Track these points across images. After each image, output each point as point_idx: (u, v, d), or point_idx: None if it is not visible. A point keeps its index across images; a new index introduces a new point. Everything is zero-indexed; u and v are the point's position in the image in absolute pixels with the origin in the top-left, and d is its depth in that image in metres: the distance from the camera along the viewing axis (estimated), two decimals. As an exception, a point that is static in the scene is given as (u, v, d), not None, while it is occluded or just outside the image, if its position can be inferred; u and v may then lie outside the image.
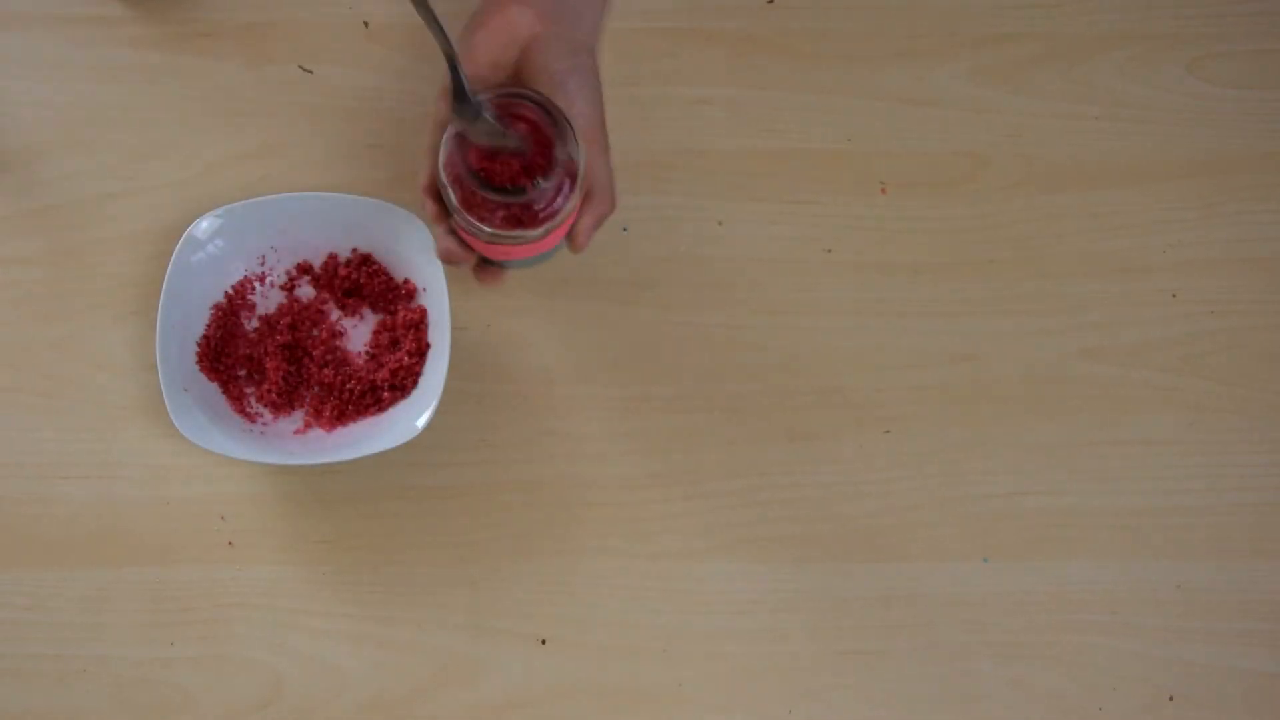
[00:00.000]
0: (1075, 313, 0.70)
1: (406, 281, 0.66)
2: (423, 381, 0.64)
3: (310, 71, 0.72)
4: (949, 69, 0.73)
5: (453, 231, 0.61)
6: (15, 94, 0.71)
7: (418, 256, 0.65)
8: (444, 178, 0.55)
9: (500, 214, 0.55)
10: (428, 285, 0.65)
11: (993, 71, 0.73)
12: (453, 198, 0.55)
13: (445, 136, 0.56)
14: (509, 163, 0.55)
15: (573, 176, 0.55)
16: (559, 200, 0.55)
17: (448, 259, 0.62)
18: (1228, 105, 0.73)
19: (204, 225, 0.65)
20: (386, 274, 0.66)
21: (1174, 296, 0.70)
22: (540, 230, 0.56)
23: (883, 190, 0.71)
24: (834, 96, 0.73)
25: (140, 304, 0.68)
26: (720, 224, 0.70)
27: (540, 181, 0.54)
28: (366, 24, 0.73)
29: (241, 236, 0.66)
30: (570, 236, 0.60)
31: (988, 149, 0.72)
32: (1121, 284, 0.70)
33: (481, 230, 0.56)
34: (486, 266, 0.63)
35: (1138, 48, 0.74)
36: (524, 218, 0.55)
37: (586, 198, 0.60)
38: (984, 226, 0.71)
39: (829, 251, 0.70)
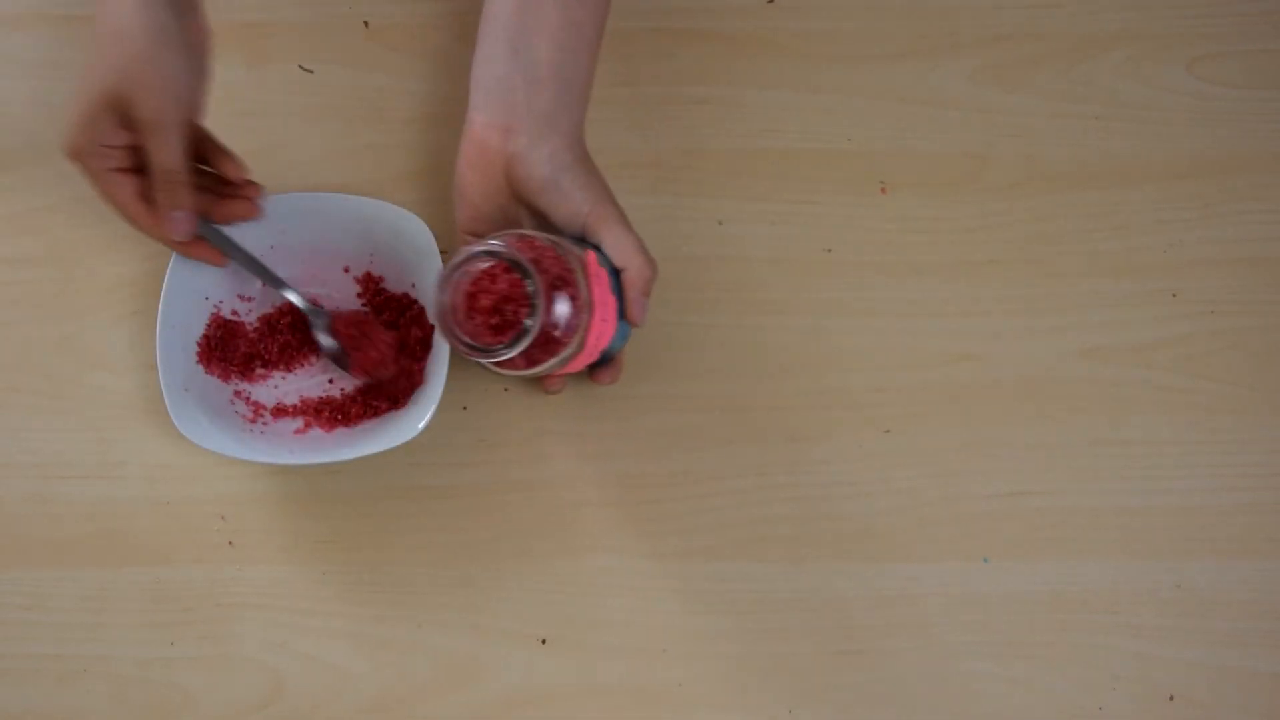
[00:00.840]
0: (1075, 313, 0.70)
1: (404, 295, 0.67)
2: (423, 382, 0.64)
3: (310, 71, 0.72)
4: (949, 69, 0.73)
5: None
6: (15, 94, 0.71)
7: (417, 256, 0.65)
8: (471, 358, 0.55)
9: (530, 359, 0.55)
10: (427, 286, 0.65)
11: (993, 71, 0.73)
12: (492, 368, 0.55)
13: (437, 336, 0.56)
14: (498, 311, 0.54)
15: (566, 283, 0.54)
16: (574, 310, 0.54)
17: (551, 391, 0.66)
18: (1228, 105, 0.73)
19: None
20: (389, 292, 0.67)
21: (1174, 296, 0.70)
22: (573, 345, 0.55)
23: (883, 190, 0.71)
24: (834, 96, 0.73)
25: (140, 304, 0.68)
26: (720, 224, 0.70)
27: (529, 323, 0.52)
28: (366, 24, 0.73)
29: (241, 236, 0.66)
30: (625, 315, 0.61)
31: (988, 149, 0.72)
32: (1121, 284, 0.70)
33: (529, 374, 0.56)
34: (597, 370, 0.65)
35: (1138, 48, 0.74)
36: (544, 350, 0.54)
37: (623, 274, 0.60)
38: (984, 226, 0.71)
39: (829, 251, 0.70)
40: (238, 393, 0.65)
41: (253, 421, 0.65)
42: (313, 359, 0.67)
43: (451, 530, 0.66)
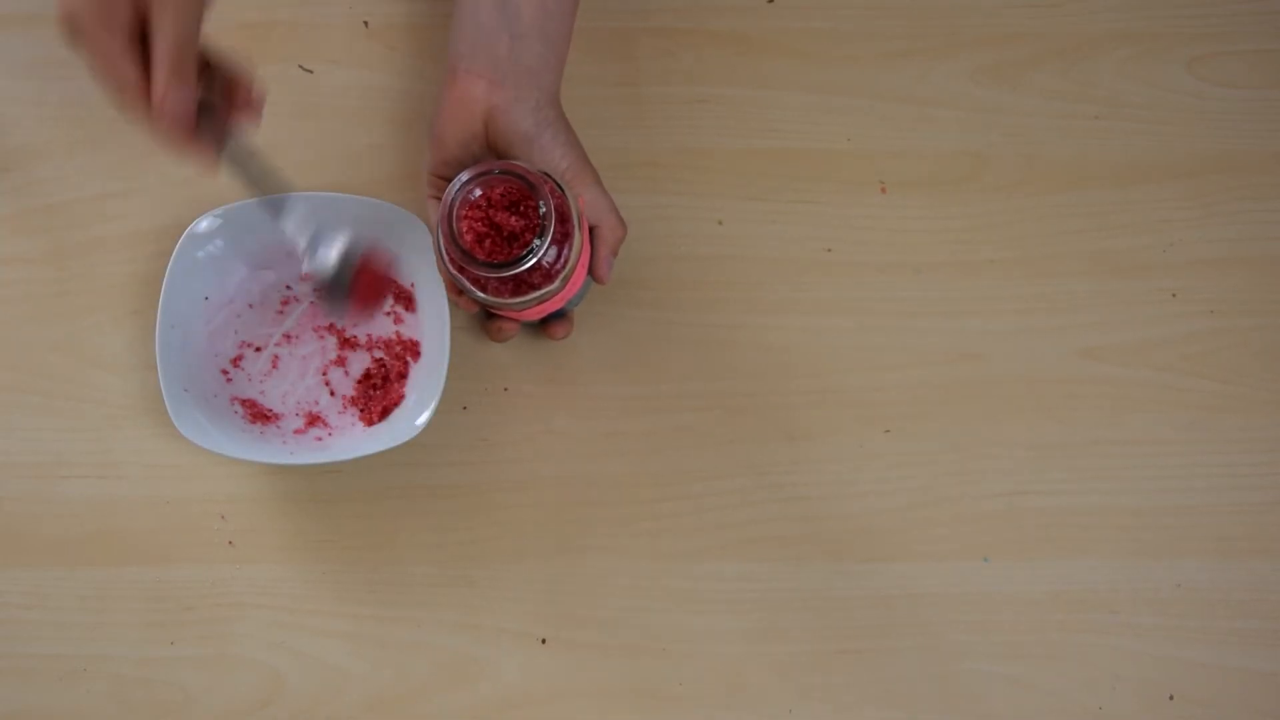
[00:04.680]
0: (1075, 313, 0.70)
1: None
2: (423, 382, 0.64)
3: (310, 71, 0.72)
4: (949, 69, 0.73)
5: (491, 315, 0.63)
6: (15, 94, 0.71)
7: (417, 256, 0.65)
8: (457, 278, 0.56)
9: (521, 284, 0.55)
10: (427, 285, 0.65)
11: (993, 71, 0.73)
12: (475, 291, 0.56)
13: (435, 242, 0.56)
14: (500, 235, 0.56)
15: (566, 220, 0.55)
16: (564, 247, 0.56)
17: (502, 337, 0.65)
18: (1228, 105, 0.73)
19: (204, 225, 0.65)
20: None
21: (1174, 296, 0.70)
22: (558, 281, 0.56)
23: (883, 190, 0.71)
24: (834, 96, 0.73)
25: (140, 304, 0.68)
26: (720, 224, 0.70)
27: (537, 242, 0.54)
28: (366, 24, 0.73)
29: (241, 236, 0.66)
30: (592, 270, 0.62)
31: (988, 149, 0.72)
32: (1121, 284, 0.70)
33: (511, 303, 0.56)
34: (552, 323, 0.65)
35: (1138, 48, 0.74)
36: (538, 278, 0.55)
37: (594, 231, 0.61)
38: (984, 226, 0.71)
39: (829, 251, 0.70)
40: (235, 395, 0.65)
41: (252, 422, 0.65)
42: (313, 354, 0.67)
43: (451, 530, 0.66)
